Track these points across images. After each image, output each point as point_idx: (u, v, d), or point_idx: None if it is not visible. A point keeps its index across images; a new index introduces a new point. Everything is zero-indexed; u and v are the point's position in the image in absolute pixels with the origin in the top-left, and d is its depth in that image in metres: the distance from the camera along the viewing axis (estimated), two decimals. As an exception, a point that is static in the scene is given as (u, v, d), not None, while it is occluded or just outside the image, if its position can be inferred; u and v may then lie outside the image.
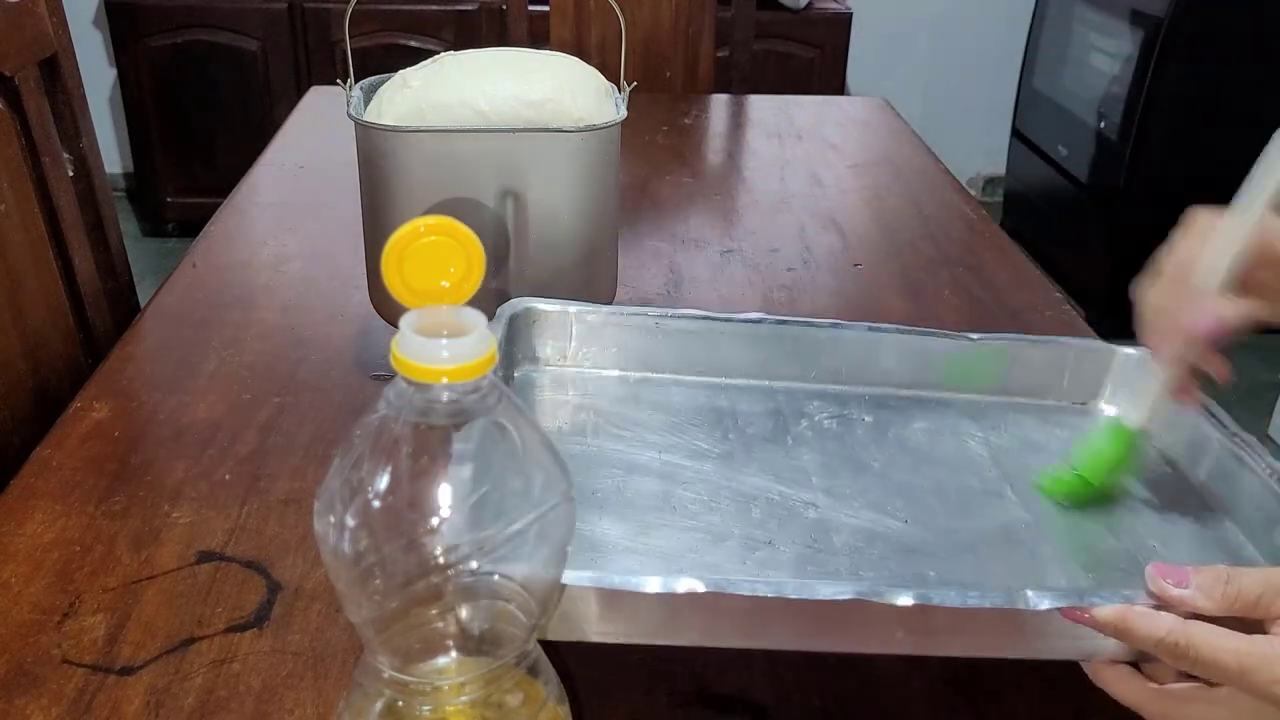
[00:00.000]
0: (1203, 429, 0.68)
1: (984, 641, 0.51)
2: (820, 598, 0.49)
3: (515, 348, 0.76)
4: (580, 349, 0.77)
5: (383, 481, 0.40)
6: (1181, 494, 0.68)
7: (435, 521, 0.39)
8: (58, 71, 1.04)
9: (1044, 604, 0.48)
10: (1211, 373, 0.62)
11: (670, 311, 0.77)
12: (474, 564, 0.40)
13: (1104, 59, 2.61)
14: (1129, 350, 0.76)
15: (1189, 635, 0.46)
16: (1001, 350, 0.77)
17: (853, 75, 3.01)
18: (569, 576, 0.46)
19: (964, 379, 0.77)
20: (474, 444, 0.40)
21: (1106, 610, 0.48)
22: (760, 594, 0.49)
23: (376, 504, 0.40)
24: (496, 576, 0.42)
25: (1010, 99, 3.14)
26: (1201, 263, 0.60)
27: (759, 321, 0.76)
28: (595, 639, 0.49)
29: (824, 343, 0.77)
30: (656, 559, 0.60)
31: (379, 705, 0.43)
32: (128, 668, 0.58)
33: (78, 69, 1.07)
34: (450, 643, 0.43)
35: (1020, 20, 3.10)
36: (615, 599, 0.48)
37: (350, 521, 0.40)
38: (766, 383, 0.77)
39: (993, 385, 0.77)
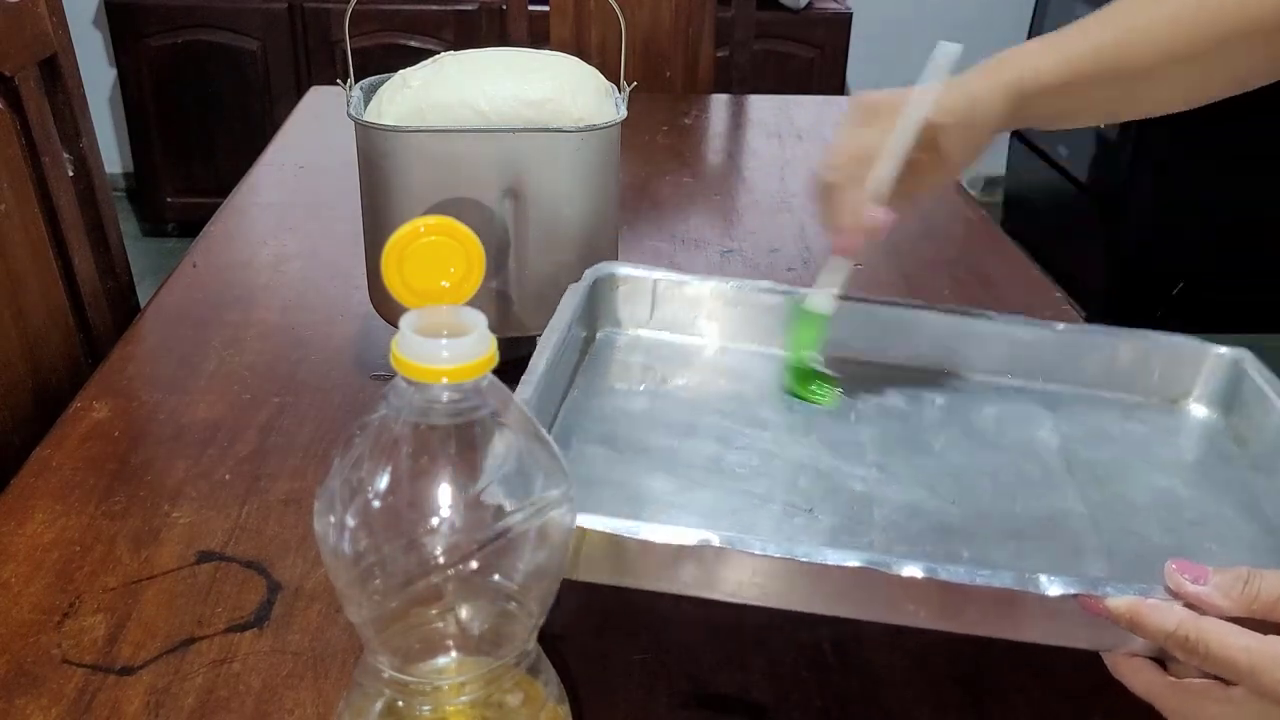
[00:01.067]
0: None
1: (998, 623, 0.50)
2: (828, 563, 0.48)
3: (598, 309, 0.76)
4: (661, 314, 0.78)
5: (383, 481, 0.40)
6: (1256, 501, 0.66)
7: (435, 521, 0.39)
8: (58, 71, 1.04)
9: (1055, 589, 0.48)
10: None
11: (751, 283, 0.77)
12: (474, 564, 0.40)
13: (1104, 59, 2.61)
14: (1222, 350, 0.74)
15: (1200, 630, 0.46)
16: (1086, 341, 0.76)
17: (853, 75, 3.01)
18: (583, 520, 0.47)
19: (1047, 368, 0.76)
20: (474, 444, 0.40)
21: (1119, 601, 0.47)
22: (770, 554, 0.49)
23: (376, 504, 0.40)
24: (496, 576, 0.42)
25: (1010, 99, 3.14)
26: (875, 169, 0.66)
27: (841, 298, 0.75)
28: (607, 582, 0.50)
29: (905, 323, 0.76)
30: (694, 515, 0.60)
31: (379, 705, 0.43)
32: (128, 668, 0.58)
33: (78, 69, 1.07)
34: (450, 643, 0.43)
35: (1020, 20, 3.10)
36: (623, 544, 0.49)
37: (350, 521, 0.40)
38: (839, 356, 0.76)
39: (1074, 377, 0.76)
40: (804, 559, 0.49)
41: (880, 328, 0.77)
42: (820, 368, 0.72)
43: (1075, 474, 0.67)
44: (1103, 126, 2.60)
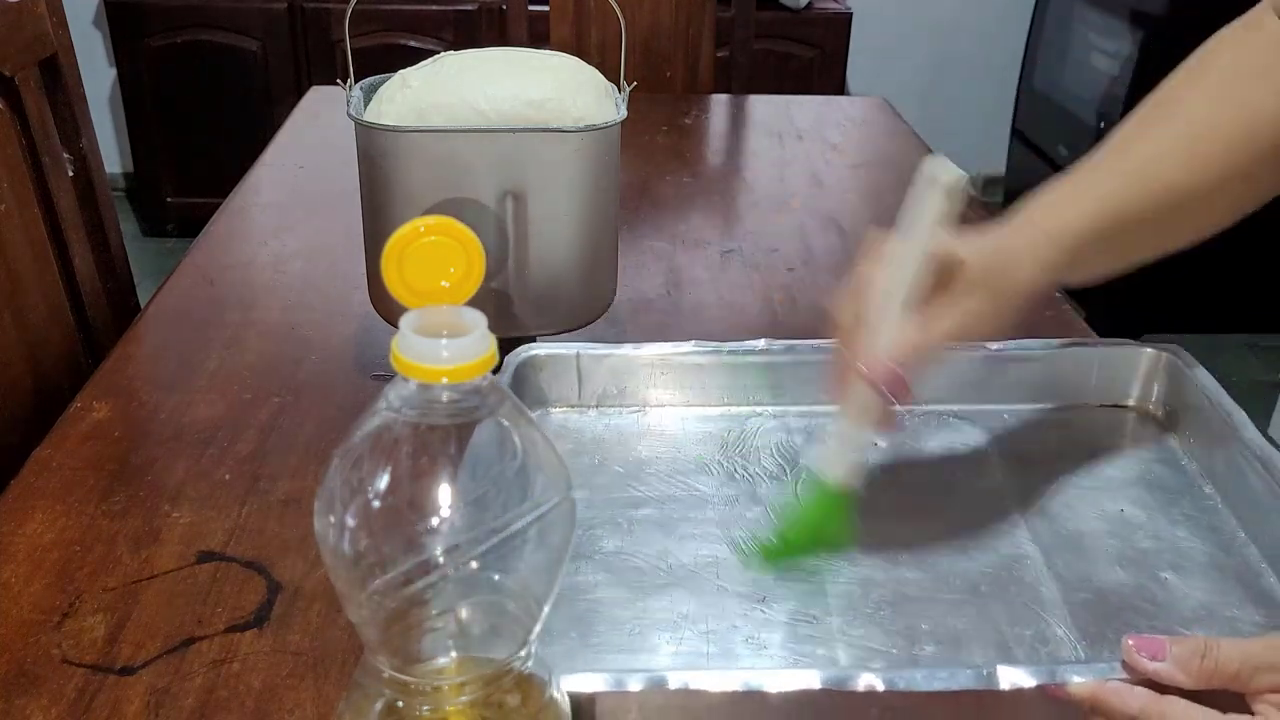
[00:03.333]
0: (1228, 443, 0.66)
1: (963, 716, 0.51)
2: (791, 689, 0.49)
3: (523, 393, 0.75)
4: (588, 389, 0.77)
5: (383, 481, 0.40)
6: (1206, 514, 0.66)
7: (435, 521, 0.39)
8: (58, 71, 1.04)
9: (1014, 682, 0.49)
10: (898, 406, 0.59)
11: (676, 346, 0.77)
12: (474, 564, 0.40)
13: (1104, 59, 2.61)
14: (1155, 350, 0.75)
15: (1162, 714, 0.46)
16: (1022, 358, 0.75)
17: (853, 75, 3.01)
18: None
19: (983, 390, 0.76)
20: (474, 444, 0.40)
21: (1081, 687, 0.48)
22: (731, 689, 0.49)
23: (376, 504, 0.40)
24: (496, 576, 0.42)
25: (1010, 99, 3.14)
26: (871, 303, 0.58)
27: (766, 349, 0.76)
28: None
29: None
30: (650, 629, 0.59)
31: (379, 705, 0.43)
32: (128, 668, 0.58)
33: (78, 69, 1.07)
34: (450, 643, 0.43)
35: (1020, 20, 3.09)
36: (576, 697, 0.49)
37: (350, 521, 0.40)
38: (778, 408, 0.76)
39: (1014, 394, 0.76)
40: (758, 688, 0.49)
41: (810, 372, 0.76)
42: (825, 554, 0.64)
43: (1025, 511, 0.67)
44: (1102, 126, 2.60)
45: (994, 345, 0.75)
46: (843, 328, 0.59)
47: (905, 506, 0.68)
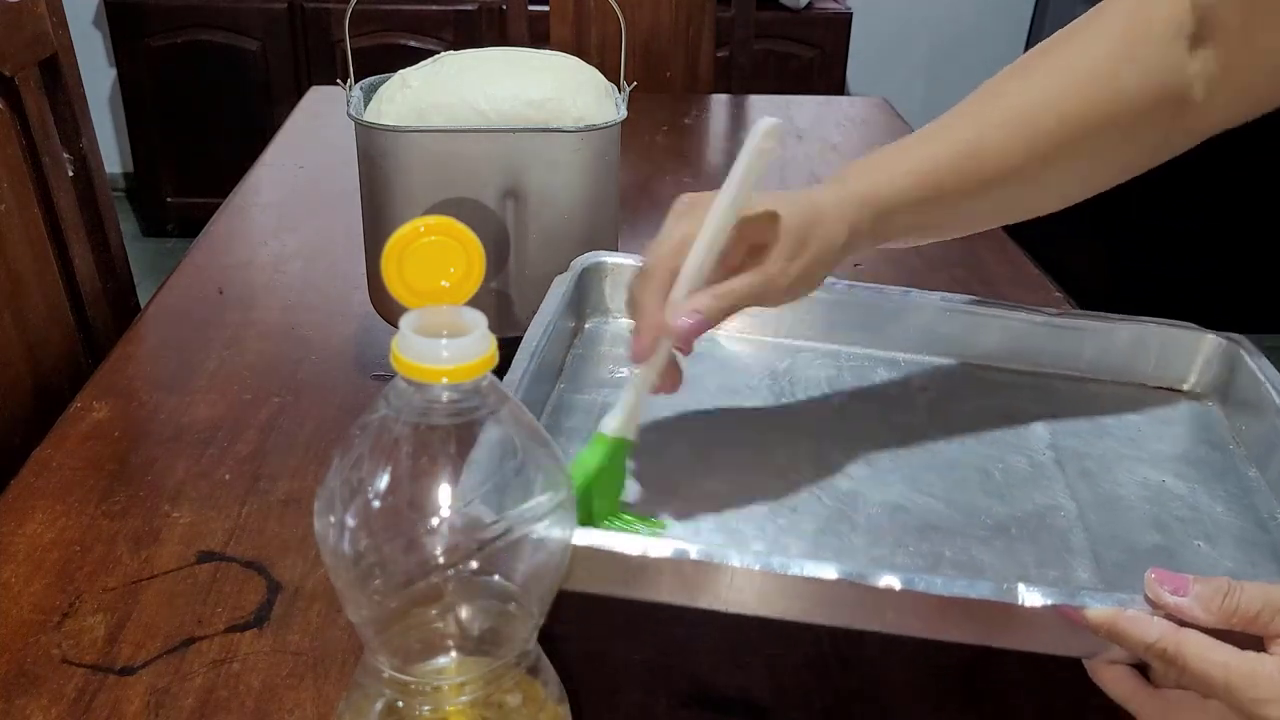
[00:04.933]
0: (1278, 427, 0.66)
1: (977, 631, 0.50)
2: (804, 574, 0.48)
3: (586, 298, 0.76)
4: None
5: (383, 481, 0.40)
6: (1247, 494, 0.65)
7: (435, 521, 0.39)
8: (58, 71, 1.04)
9: (1033, 599, 0.48)
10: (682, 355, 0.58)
11: None
12: (474, 564, 0.40)
13: (1104, 59, 2.61)
14: (1218, 337, 0.74)
15: (1179, 644, 0.46)
16: (1078, 328, 0.75)
17: (853, 75, 3.01)
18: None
19: (1041, 356, 0.75)
20: (474, 444, 0.40)
21: (1098, 612, 0.47)
22: (745, 565, 0.48)
23: (376, 504, 0.40)
24: (496, 576, 0.42)
25: (1010, 99, 3.14)
26: (684, 261, 0.56)
27: (829, 286, 0.75)
28: (591, 591, 0.49)
29: (894, 310, 0.76)
30: (678, 516, 0.59)
31: (379, 705, 0.43)
32: (128, 668, 0.58)
33: (78, 69, 1.07)
34: (450, 643, 0.43)
35: (1020, 20, 3.10)
36: (595, 555, 0.48)
37: (350, 521, 0.40)
38: (832, 347, 0.76)
39: (1069, 364, 0.75)
40: (779, 571, 0.49)
41: (868, 314, 0.76)
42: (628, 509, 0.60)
43: (1065, 468, 0.67)
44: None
45: (1053, 313, 0.75)
46: (648, 278, 0.57)
47: (945, 449, 0.67)
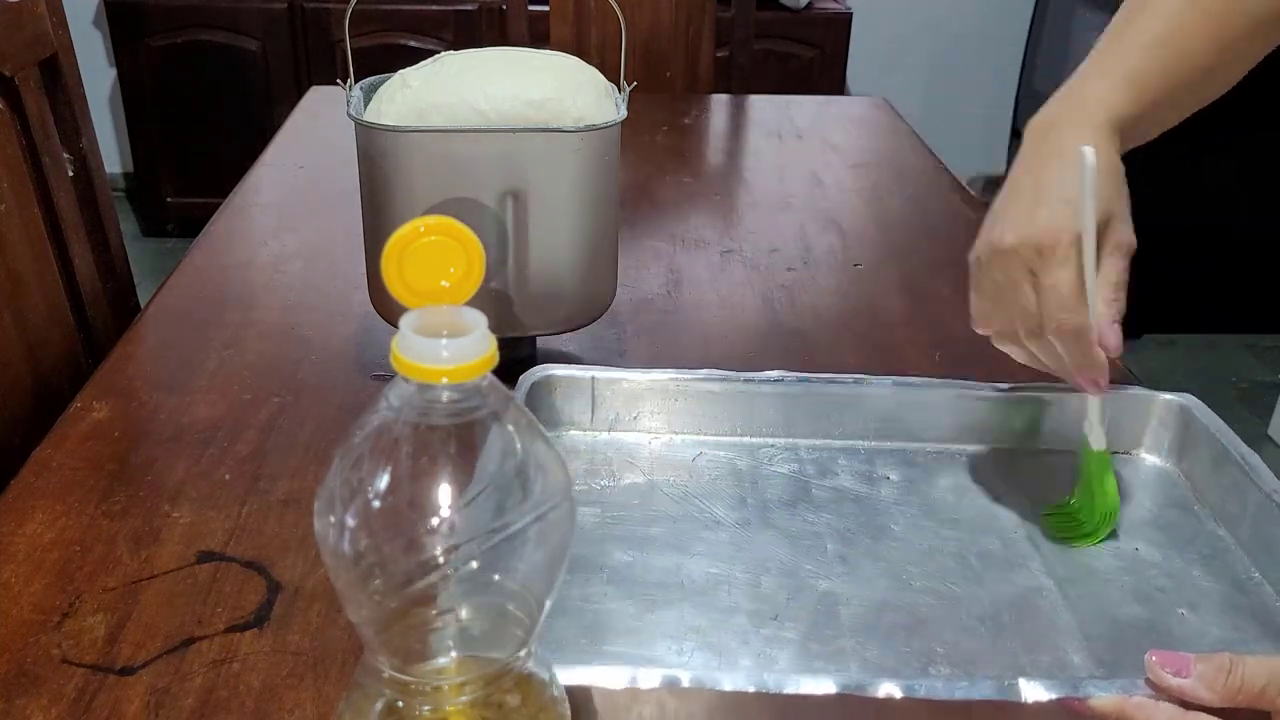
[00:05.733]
0: (1243, 488, 0.66)
1: None
2: (801, 692, 0.48)
3: (536, 414, 0.75)
4: (601, 414, 0.77)
5: (383, 481, 0.40)
6: (1219, 555, 0.66)
7: (435, 521, 0.39)
8: (58, 71, 1.04)
9: (1035, 694, 0.47)
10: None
11: (690, 373, 0.77)
12: (474, 564, 0.40)
13: (1104, 59, 2.61)
14: (1169, 397, 0.74)
15: None
16: (1034, 400, 0.75)
17: (853, 75, 3.01)
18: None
19: (995, 431, 0.75)
20: (474, 444, 0.40)
21: (1103, 701, 0.47)
22: (739, 689, 0.48)
23: (376, 504, 0.40)
24: (496, 576, 0.42)
25: (1010, 99, 3.14)
26: (1086, 277, 0.62)
27: (780, 380, 0.76)
28: None
29: (848, 399, 0.76)
30: (659, 639, 0.59)
31: (379, 705, 0.43)
32: (128, 668, 0.58)
33: (78, 69, 1.07)
34: (450, 643, 0.43)
35: (1020, 20, 3.10)
36: (588, 692, 0.48)
37: (350, 521, 0.40)
38: (791, 440, 0.76)
39: (1025, 438, 0.75)
40: (775, 690, 0.48)
41: (824, 405, 0.76)
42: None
43: (1039, 545, 0.67)
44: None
45: (1005, 387, 0.75)
46: (1081, 337, 0.63)
47: (918, 538, 0.67)
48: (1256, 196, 2.56)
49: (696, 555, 0.66)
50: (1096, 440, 0.68)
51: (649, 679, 0.49)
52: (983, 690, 0.48)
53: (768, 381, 0.76)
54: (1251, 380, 2.45)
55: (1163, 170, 2.54)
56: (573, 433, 0.77)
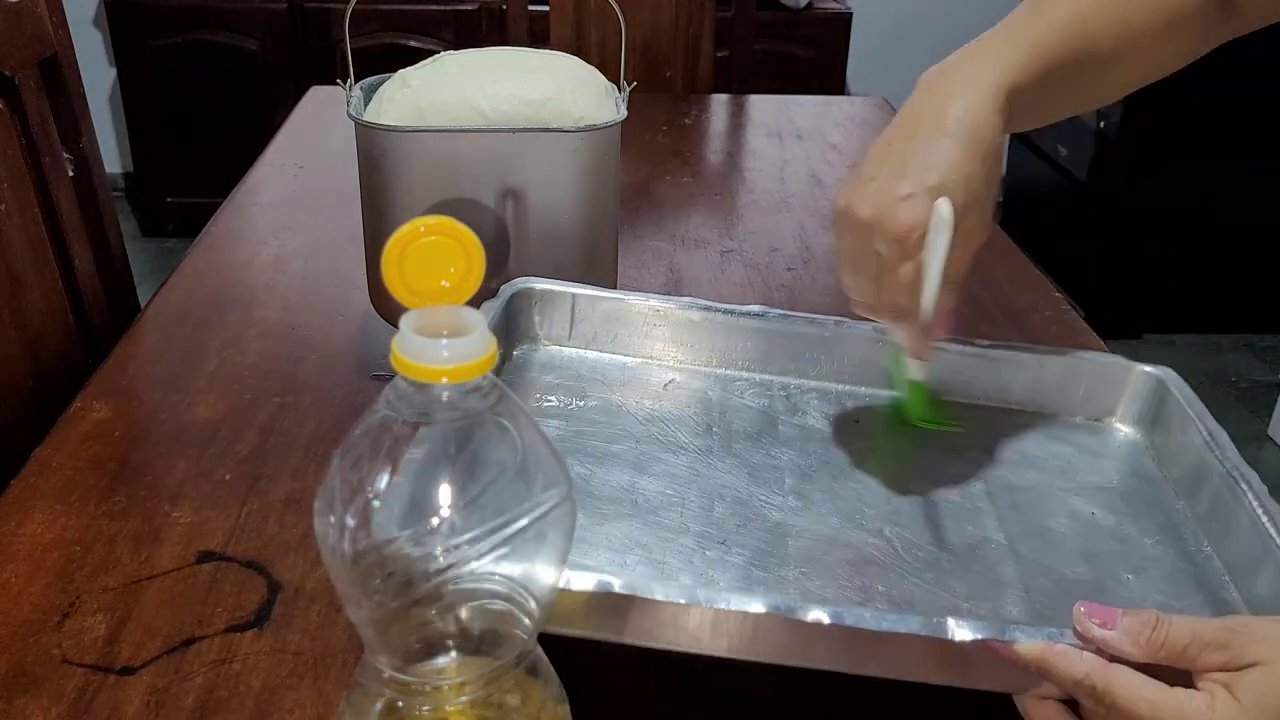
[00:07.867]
0: (1205, 459, 0.66)
1: (908, 665, 0.50)
2: (730, 608, 0.48)
3: (515, 325, 0.75)
4: (580, 331, 0.77)
5: (383, 481, 0.40)
6: (1175, 526, 0.66)
7: (435, 521, 0.39)
8: (58, 71, 1.04)
9: (963, 634, 0.47)
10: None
11: (672, 300, 0.77)
12: (474, 564, 0.40)
13: (1104, 59, 2.61)
14: (1147, 368, 0.74)
15: (1108, 679, 0.45)
16: (1012, 360, 0.75)
17: (853, 75, 3.01)
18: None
19: (972, 387, 0.75)
20: (474, 444, 0.40)
21: (1028, 646, 0.47)
22: (671, 599, 0.48)
23: (376, 504, 0.40)
24: (497, 576, 0.42)
25: (1010, 99, 3.14)
26: (924, 286, 0.61)
27: (761, 315, 0.75)
28: None
29: (826, 340, 0.76)
30: (603, 550, 0.59)
31: (379, 705, 0.43)
32: (128, 668, 0.58)
33: (78, 69, 1.07)
34: (450, 643, 0.43)
35: (1020, 20, 3.09)
36: None
37: (350, 521, 0.40)
38: (765, 377, 0.76)
39: (1001, 396, 0.75)
40: (706, 604, 0.48)
41: (802, 344, 0.76)
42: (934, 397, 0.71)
43: (996, 501, 0.67)
44: (1102, 126, 2.60)
45: (985, 344, 0.75)
46: (902, 308, 0.63)
47: (878, 482, 0.67)
48: (1257, 197, 2.56)
49: (653, 476, 0.65)
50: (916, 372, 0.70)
51: (582, 582, 0.48)
52: (910, 625, 0.48)
53: (749, 315, 0.76)
54: (1251, 380, 2.45)
55: (1163, 171, 2.54)
56: (550, 347, 0.77)
